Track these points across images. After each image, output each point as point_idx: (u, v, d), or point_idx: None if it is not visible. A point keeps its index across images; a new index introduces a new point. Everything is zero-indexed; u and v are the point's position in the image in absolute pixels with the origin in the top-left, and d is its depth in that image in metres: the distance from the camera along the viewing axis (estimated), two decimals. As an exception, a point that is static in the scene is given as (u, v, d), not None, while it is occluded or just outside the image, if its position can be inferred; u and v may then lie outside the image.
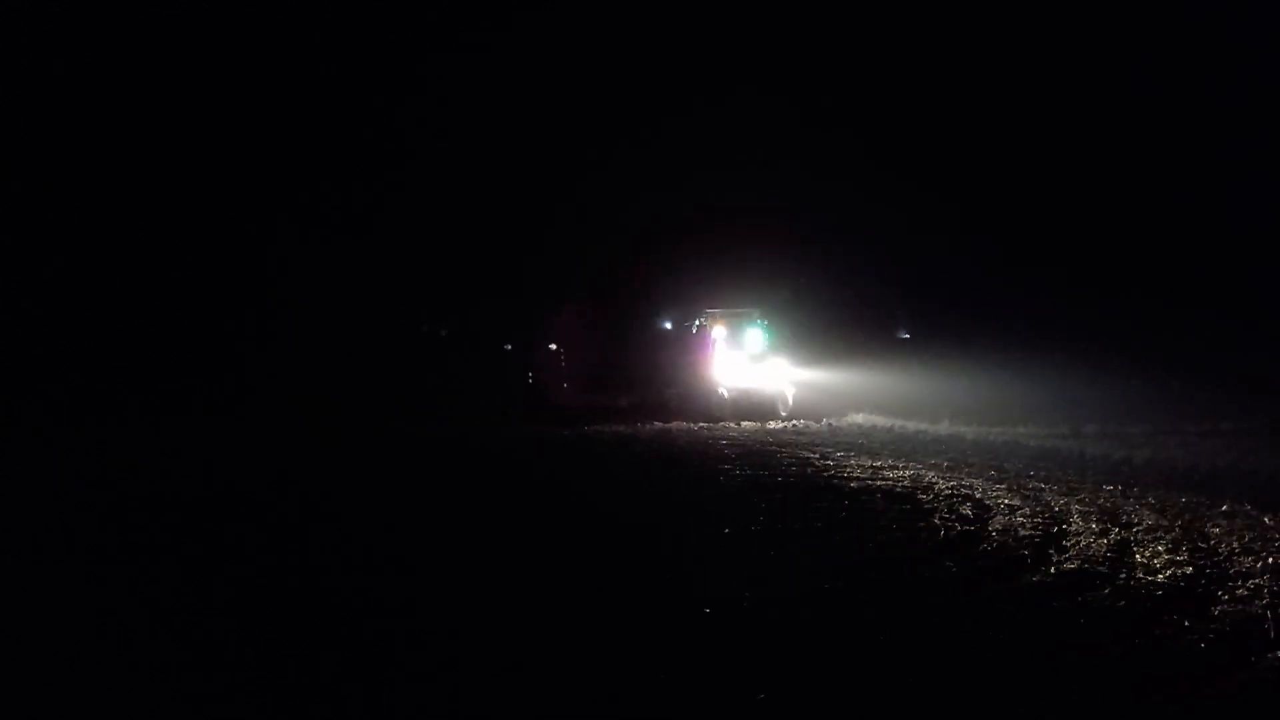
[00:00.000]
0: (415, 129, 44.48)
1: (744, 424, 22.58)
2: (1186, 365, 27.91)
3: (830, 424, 22.43)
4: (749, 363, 25.19)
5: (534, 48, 50.14)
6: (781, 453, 16.45)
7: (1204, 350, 29.97)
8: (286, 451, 17.05)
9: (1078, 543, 8.77)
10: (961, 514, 10.32)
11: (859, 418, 22.93)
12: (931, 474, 13.58)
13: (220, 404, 23.98)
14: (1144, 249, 38.46)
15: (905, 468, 14.31)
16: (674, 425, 22.27)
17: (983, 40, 44.38)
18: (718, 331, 25.65)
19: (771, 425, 22.37)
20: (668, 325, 39.16)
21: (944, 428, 20.30)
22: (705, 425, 22.11)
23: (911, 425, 20.75)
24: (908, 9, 46.72)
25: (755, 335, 25.87)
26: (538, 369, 40.26)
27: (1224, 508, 10.45)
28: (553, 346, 41.61)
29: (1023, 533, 9.27)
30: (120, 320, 31.28)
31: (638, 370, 32.96)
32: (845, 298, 33.82)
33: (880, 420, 22.19)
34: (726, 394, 24.10)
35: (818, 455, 15.98)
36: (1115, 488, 12.11)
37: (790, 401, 24.52)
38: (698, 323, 27.07)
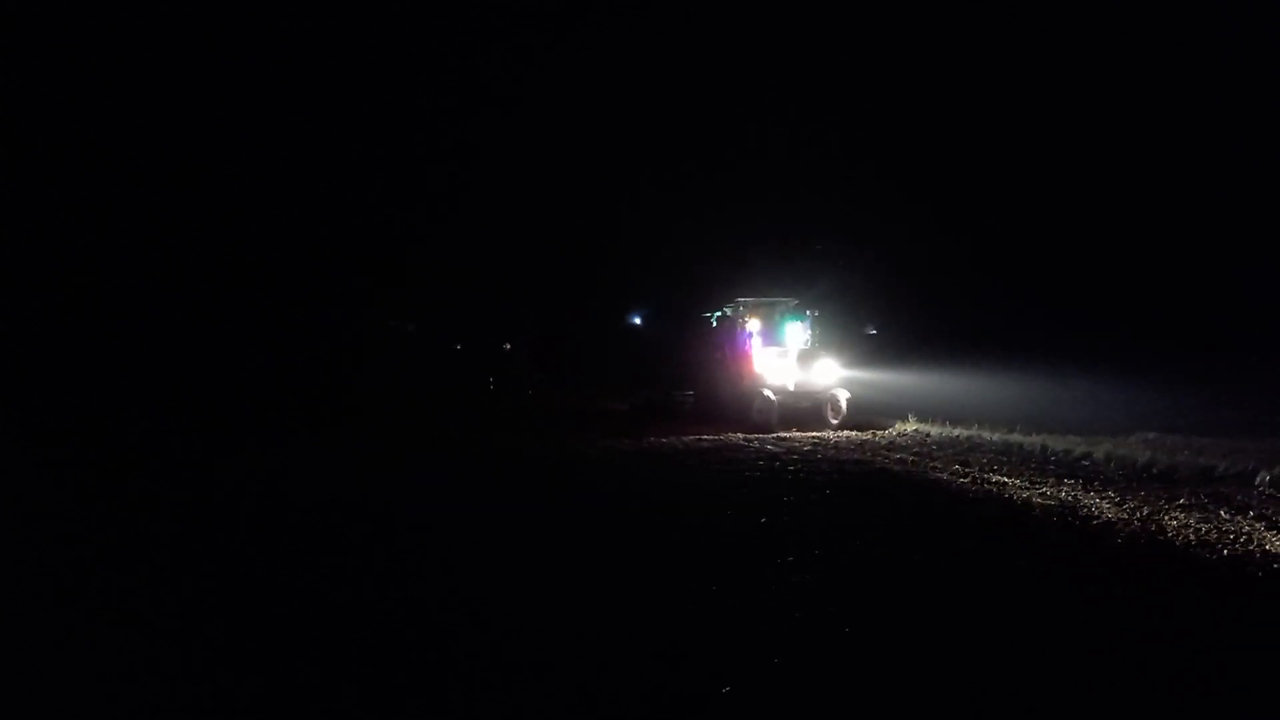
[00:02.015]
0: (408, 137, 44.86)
1: (841, 434, 19.23)
2: (1149, 370, 28.45)
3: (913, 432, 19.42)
4: (795, 361, 21.99)
5: (529, 54, 50.13)
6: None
7: (1166, 355, 30.67)
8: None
9: (1041, 536, 9.02)
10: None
11: (913, 426, 20.17)
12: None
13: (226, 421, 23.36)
14: (1114, 259, 39.29)
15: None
16: (731, 437, 18.35)
17: (976, 66, 45.22)
18: (753, 324, 22.44)
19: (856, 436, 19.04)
20: (637, 320, 38.53)
21: (998, 435, 18.23)
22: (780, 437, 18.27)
23: (993, 434, 18.26)
24: (908, 32, 47.69)
25: (798, 329, 22.78)
26: (499, 371, 39.07)
27: (1181, 501, 10.77)
28: (507, 346, 40.57)
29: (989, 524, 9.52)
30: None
31: (635, 370, 30.80)
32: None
33: (946, 430, 19.33)
34: (774, 397, 20.66)
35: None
36: (1076, 481, 12.42)
37: (844, 406, 21.36)
38: (718, 314, 23.82)
